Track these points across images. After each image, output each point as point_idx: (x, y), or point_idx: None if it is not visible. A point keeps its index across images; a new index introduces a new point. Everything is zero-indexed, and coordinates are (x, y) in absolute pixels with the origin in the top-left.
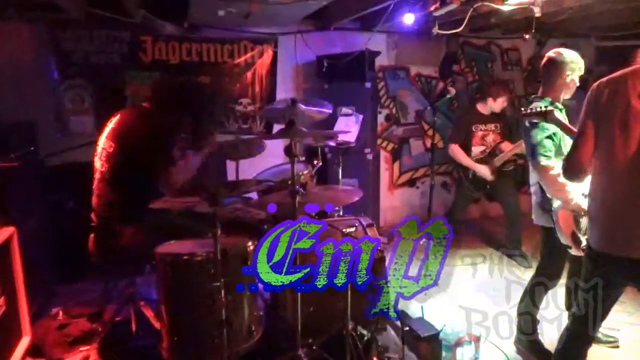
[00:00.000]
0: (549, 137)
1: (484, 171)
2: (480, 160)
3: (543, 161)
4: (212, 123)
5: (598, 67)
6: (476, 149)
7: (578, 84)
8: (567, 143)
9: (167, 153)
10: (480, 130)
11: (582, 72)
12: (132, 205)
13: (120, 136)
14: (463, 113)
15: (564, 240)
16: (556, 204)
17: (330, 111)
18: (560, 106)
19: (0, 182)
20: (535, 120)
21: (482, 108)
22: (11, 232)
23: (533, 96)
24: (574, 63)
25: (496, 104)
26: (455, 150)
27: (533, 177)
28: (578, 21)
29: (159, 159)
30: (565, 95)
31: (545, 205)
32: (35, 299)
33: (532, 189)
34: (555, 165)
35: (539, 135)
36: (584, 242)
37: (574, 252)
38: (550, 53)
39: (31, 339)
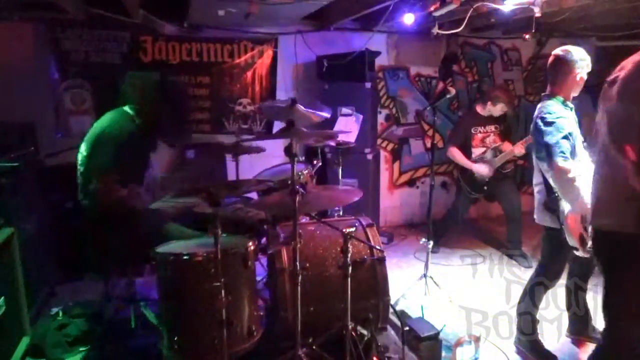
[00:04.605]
0: (565, 137)
1: (482, 171)
2: (479, 161)
3: (561, 162)
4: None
5: (598, 67)
6: (476, 151)
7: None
8: (580, 144)
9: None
10: (480, 132)
11: (589, 69)
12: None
13: (94, 140)
14: (463, 115)
15: (572, 242)
16: (566, 206)
17: (329, 115)
18: (571, 105)
19: (0, 182)
20: (549, 120)
21: (482, 110)
22: (11, 232)
23: (543, 94)
24: (583, 60)
25: (495, 109)
26: (454, 152)
27: (537, 177)
28: (578, 21)
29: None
30: (574, 93)
31: (549, 205)
32: (35, 299)
33: (536, 189)
34: (572, 167)
35: (555, 135)
36: (590, 244)
37: (580, 253)
38: (558, 51)
39: (31, 339)
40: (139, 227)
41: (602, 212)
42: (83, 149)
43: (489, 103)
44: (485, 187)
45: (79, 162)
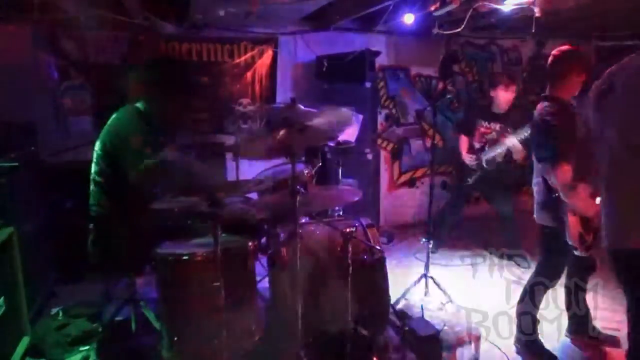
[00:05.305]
0: (567, 139)
1: (467, 160)
2: (471, 152)
3: (565, 165)
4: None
5: (598, 67)
6: (476, 145)
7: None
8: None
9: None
10: (483, 127)
11: (589, 69)
12: (126, 206)
13: (108, 138)
14: (473, 106)
15: (572, 241)
16: (567, 205)
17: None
18: (571, 105)
19: (0, 182)
20: (551, 122)
21: (494, 103)
22: (11, 232)
23: (542, 95)
24: (583, 60)
25: (497, 95)
26: (460, 140)
27: (537, 177)
28: (578, 21)
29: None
30: (574, 93)
31: (549, 204)
32: (35, 299)
33: (536, 189)
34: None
35: (558, 138)
36: (590, 242)
37: (579, 253)
38: (557, 51)
39: (31, 339)
40: (141, 227)
41: (623, 229)
42: (97, 147)
43: (491, 90)
44: (469, 180)
45: (94, 160)
